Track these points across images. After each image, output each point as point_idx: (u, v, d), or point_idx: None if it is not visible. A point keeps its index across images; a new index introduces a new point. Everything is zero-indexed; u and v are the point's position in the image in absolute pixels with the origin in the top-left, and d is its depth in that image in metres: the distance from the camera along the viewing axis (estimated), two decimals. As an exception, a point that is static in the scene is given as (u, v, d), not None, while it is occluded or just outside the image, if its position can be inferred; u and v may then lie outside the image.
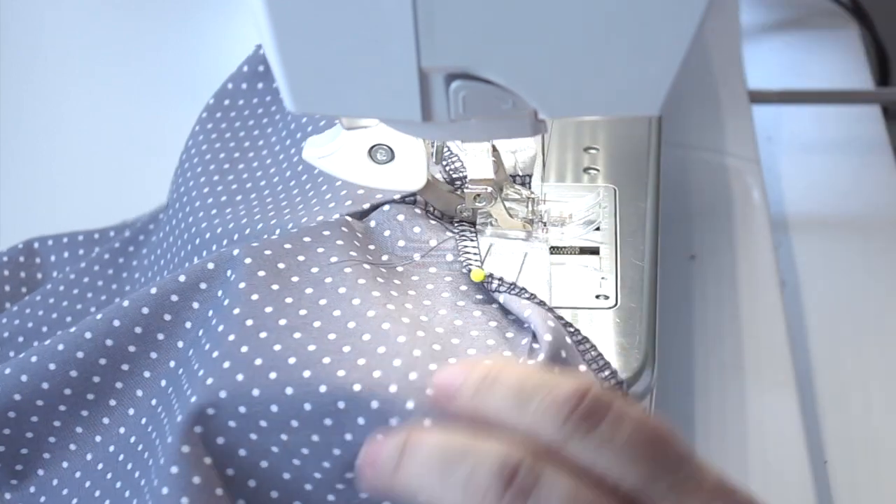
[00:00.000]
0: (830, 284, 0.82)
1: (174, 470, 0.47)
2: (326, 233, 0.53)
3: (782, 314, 0.73)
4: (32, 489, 0.54)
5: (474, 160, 0.55)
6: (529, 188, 0.57)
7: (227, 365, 0.48)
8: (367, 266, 0.52)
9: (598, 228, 0.57)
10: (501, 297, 0.51)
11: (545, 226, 0.56)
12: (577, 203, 0.58)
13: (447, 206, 0.56)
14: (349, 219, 0.55)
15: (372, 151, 0.53)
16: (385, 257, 0.54)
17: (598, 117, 0.62)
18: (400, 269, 0.53)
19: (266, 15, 0.41)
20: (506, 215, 0.55)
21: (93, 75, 0.99)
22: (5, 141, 0.90)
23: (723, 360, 0.71)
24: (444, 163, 0.57)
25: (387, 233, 0.55)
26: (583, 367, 0.48)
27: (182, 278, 0.52)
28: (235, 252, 0.52)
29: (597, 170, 0.61)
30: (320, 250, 0.53)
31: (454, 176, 0.56)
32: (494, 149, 0.55)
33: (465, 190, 0.55)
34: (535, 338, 0.48)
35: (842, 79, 1.03)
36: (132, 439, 0.53)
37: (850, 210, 0.89)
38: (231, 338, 0.49)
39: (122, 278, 0.67)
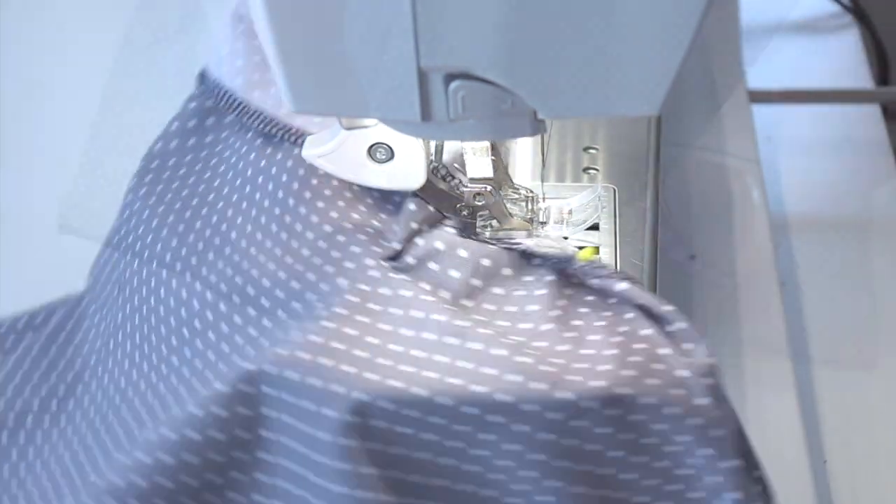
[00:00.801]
0: (830, 284, 0.82)
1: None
2: (387, 292, 0.51)
3: (782, 314, 0.73)
4: None
5: (473, 159, 0.55)
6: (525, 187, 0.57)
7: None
8: (430, 299, 0.51)
9: (597, 228, 0.57)
10: (595, 282, 0.51)
11: (544, 225, 0.56)
12: (575, 202, 0.58)
13: (446, 204, 0.56)
14: (393, 272, 0.52)
15: (371, 150, 0.53)
16: (446, 294, 0.51)
17: (598, 117, 0.62)
18: (469, 304, 0.51)
19: (265, 14, 0.41)
20: (505, 214, 0.55)
21: (94, 75, 0.99)
22: (6, 141, 0.90)
23: (723, 360, 0.71)
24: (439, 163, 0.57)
25: (431, 265, 0.52)
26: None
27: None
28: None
29: (596, 169, 0.61)
30: (395, 311, 0.51)
31: (444, 175, 0.56)
32: (493, 147, 0.55)
33: (465, 189, 0.55)
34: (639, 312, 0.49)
35: (842, 79, 1.03)
36: None
37: (850, 210, 0.89)
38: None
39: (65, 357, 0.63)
